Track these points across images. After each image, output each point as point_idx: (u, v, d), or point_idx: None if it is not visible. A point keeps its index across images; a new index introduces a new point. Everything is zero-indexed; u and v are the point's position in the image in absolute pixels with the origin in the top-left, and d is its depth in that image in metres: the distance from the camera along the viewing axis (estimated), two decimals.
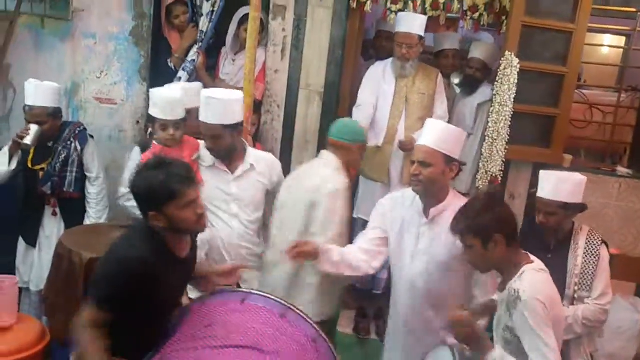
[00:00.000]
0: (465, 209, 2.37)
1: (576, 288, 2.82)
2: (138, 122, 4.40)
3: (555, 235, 2.89)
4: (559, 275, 2.74)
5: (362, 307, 4.31)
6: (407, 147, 3.81)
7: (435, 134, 2.64)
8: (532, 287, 2.20)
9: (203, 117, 3.02)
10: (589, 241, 2.84)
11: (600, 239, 2.86)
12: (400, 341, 2.84)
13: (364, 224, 3.92)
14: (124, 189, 3.38)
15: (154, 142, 3.35)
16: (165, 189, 2.15)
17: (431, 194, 2.66)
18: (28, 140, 3.51)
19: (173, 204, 2.16)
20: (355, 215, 4.23)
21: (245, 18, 4.16)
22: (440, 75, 4.09)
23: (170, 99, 3.27)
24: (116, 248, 2.23)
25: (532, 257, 2.35)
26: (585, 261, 2.82)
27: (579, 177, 2.87)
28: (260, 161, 3.21)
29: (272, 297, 2.43)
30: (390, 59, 4.04)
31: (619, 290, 4.02)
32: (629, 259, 4.25)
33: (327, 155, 3.10)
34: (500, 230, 2.26)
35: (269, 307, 2.34)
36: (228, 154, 3.15)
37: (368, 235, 2.89)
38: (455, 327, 2.35)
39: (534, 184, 4.13)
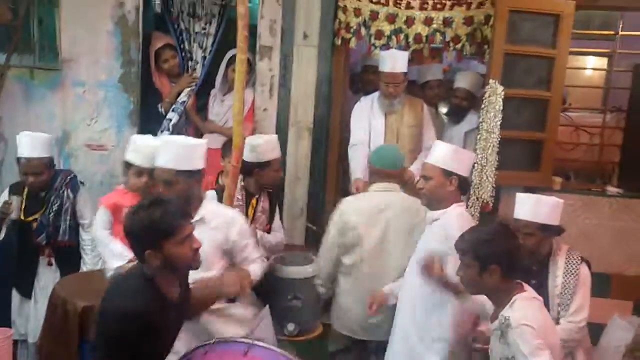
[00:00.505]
0: (475, 230, 2.45)
1: (559, 309, 2.81)
2: None
3: (533, 257, 2.87)
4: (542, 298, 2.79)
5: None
6: (406, 181, 3.82)
7: (435, 153, 2.90)
8: (522, 314, 2.22)
9: (158, 161, 2.89)
10: (568, 260, 2.84)
11: (579, 257, 2.85)
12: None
13: None
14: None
15: (121, 186, 3.41)
16: (163, 225, 2.14)
17: (435, 205, 2.87)
18: (14, 215, 3.61)
19: (171, 240, 2.15)
20: None
21: (233, 59, 4.22)
22: (425, 105, 4.16)
23: (153, 147, 3.22)
24: (112, 302, 2.18)
25: (526, 287, 2.38)
26: (565, 281, 2.81)
27: (556, 200, 2.88)
28: (216, 216, 2.94)
29: (276, 349, 2.38)
30: (376, 94, 4.10)
31: (616, 310, 4.02)
32: (624, 278, 4.27)
33: (387, 186, 3.22)
34: (499, 262, 2.29)
35: (274, 358, 2.30)
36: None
37: None
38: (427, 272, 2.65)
39: None
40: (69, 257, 3.74)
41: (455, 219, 2.77)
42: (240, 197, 3.45)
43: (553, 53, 3.97)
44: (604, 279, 3.97)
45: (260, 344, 2.41)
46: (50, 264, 3.74)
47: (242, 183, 3.46)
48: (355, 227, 3.18)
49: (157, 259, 2.15)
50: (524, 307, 2.26)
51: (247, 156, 3.43)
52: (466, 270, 2.36)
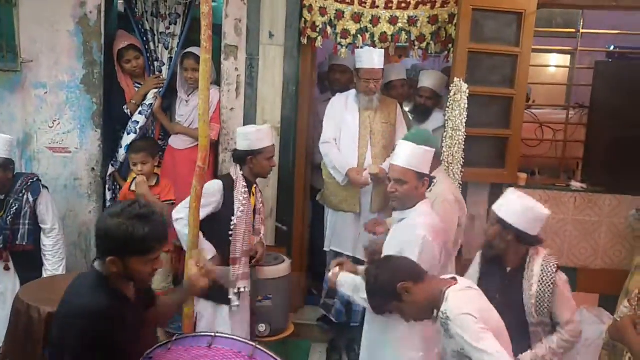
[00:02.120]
0: (368, 286, 2.44)
1: (535, 314, 2.79)
2: (93, 169, 4.36)
3: (507, 259, 2.84)
4: (516, 301, 2.80)
5: (334, 340, 4.29)
6: (378, 177, 3.89)
7: (407, 154, 2.85)
8: (457, 304, 2.23)
9: None
10: (544, 268, 2.77)
11: (555, 266, 2.78)
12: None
13: (336, 255, 3.96)
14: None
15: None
16: (140, 244, 2.09)
17: (407, 207, 2.87)
18: None
19: (140, 259, 2.12)
20: (326, 248, 4.25)
21: (185, 56, 4.22)
22: (398, 104, 4.20)
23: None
24: (74, 300, 2.14)
25: (459, 279, 2.39)
26: (540, 287, 2.76)
27: (542, 210, 2.79)
28: None
29: (239, 338, 2.42)
30: (352, 92, 4.11)
31: (583, 303, 4.10)
32: (590, 271, 4.35)
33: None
34: (399, 280, 2.31)
35: (237, 350, 2.31)
36: None
37: None
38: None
39: (492, 203, 4.24)
40: (27, 262, 3.67)
41: (423, 218, 2.78)
42: (245, 184, 3.49)
43: (516, 51, 4.03)
44: (569, 273, 3.99)
45: (223, 334, 2.43)
46: (7, 268, 3.66)
47: (242, 172, 3.49)
48: None
49: (117, 268, 2.11)
50: (458, 297, 2.27)
51: (240, 145, 3.50)
52: (396, 310, 2.37)
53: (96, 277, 2.15)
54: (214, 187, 3.40)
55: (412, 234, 2.74)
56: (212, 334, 2.42)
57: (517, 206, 2.77)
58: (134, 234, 2.07)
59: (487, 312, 2.29)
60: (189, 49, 4.20)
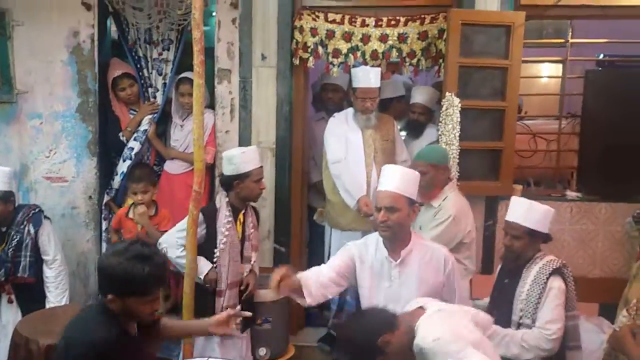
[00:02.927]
0: (344, 350, 2.44)
1: (521, 314, 2.83)
2: (90, 197, 4.37)
3: (516, 260, 2.91)
4: (508, 299, 2.88)
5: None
6: None
7: (396, 179, 2.73)
8: (426, 333, 2.22)
9: None
10: (540, 270, 2.83)
11: (551, 269, 2.82)
12: None
13: None
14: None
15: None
16: (140, 285, 2.10)
17: (398, 238, 2.74)
18: None
19: (139, 299, 2.13)
20: None
21: (180, 82, 4.24)
22: (394, 121, 4.24)
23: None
24: (75, 332, 2.16)
25: (425, 304, 2.37)
26: (531, 289, 2.82)
27: (546, 207, 2.92)
28: None
29: None
30: (350, 110, 4.13)
31: (583, 312, 4.08)
32: (589, 280, 4.34)
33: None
34: (378, 335, 2.27)
35: None
36: None
37: (335, 267, 2.89)
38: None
39: (488, 216, 4.26)
40: (30, 294, 3.66)
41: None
42: (228, 214, 3.43)
43: (506, 63, 4.05)
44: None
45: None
46: (10, 301, 3.66)
47: (227, 199, 3.44)
48: None
49: (116, 306, 2.13)
50: (426, 326, 2.25)
51: (226, 169, 3.42)
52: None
53: (102, 310, 2.17)
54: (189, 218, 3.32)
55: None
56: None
57: (523, 207, 2.88)
58: (133, 274, 2.08)
59: (461, 328, 2.26)
60: (184, 74, 4.23)
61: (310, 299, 2.76)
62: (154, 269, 2.12)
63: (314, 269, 2.91)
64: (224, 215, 3.40)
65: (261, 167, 3.50)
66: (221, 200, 3.44)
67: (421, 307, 2.36)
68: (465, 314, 2.43)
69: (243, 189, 3.41)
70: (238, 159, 3.40)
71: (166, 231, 3.86)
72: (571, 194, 4.44)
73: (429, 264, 2.77)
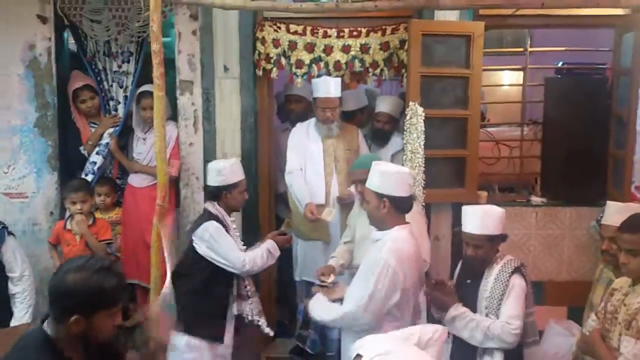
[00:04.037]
0: None
1: (486, 311, 2.91)
2: (52, 213, 4.28)
3: (482, 265, 2.98)
4: (471, 299, 2.97)
5: None
6: (345, 201, 3.98)
7: (370, 176, 2.91)
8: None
9: None
10: (501, 269, 2.92)
11: (513, 267, 2.92)
12: None
13: (307, 285, 3.94)
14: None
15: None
16: (110, 297, 1.99)
17: (378, 226, 2.91)
18: None
19: (107, 312, 2.01)
20: (297, 278, 4.23)
21: (140, 95, 4.20)
22: (359, 130, 4.27)
23: None
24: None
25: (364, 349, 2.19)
26: (494, 287, 2.90)
27: (498, 210, 2.99)
28: None
29: None
30: (312, 120, 4.16)
31: (552, 316, 4.12)
32: (556, 284, 4.40)
33: None
34: None
35: None
36: None
37: None
38: None
39: (455, 223, 4.29)
40: None
41: (391, 242, 2.79)
42: (233, 220, 3.53)
43: (467, 72, 4.10)
44: (537, 287, 4.08)
45: None
46: None
47: (216, 208, 3.47)
48: None
49: (79, 327, 1.97)
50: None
51: (213, 180, 3.48)
52: None
53: (42, 339, 2.01)
54: (219, 227, 3.38)
55: (377, 257, 2.76)
56: None
57: (477, 216, 2.94)
58: (103, 286, 1.96)
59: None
60: (145, 87, 4.18)
61: None
62: (119, 278, 2.04)
63: None
64: (229, 221, 3.48)
65: (244, 178, 3.57)
66: (217, 209, 3.47)
67: (358, 355, 2.27)
68: (407, 340, 2.36)
69: (230, 200, 3.49)
70: (227, 171, 3.47)
71: (106, 240, 3.94)
72: (536, 199, 4.49)
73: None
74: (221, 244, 3.37)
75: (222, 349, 3.48)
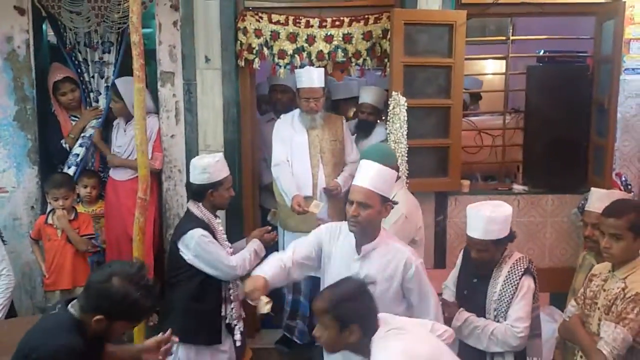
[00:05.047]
0: (333, 289, 2.35)
1: (495, 313, 2.87)
2: (33, 207, 4.24)
3: (489, 266, 2.92)
4: (479, 299, 2.91)
5: None
6: (332, 192, 3.96)
7: (371, 175, 2.68)
8: (381, 357, 2.16)
9: None
10: (511, 270, 2.86)
11: (523, 269, 2.87)
12: None
13: None
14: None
15: None
16: (140, 314, 2.15)
17: (365, 234, 2.71)
18: None
19: (128, 324, 2.16)
20: None
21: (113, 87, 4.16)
22: (344, 120, 4.26)
23: None
24: (43, 339, 2.08)
25: (382, 320, 2.30)
26: (503, 289, 2.85)
27: (505, 212, 2.88)
28: None
29: None
30: (296, 111, 4.14)
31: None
32: (539, 270, 4.38)
33: None
34: (359, 321, 2.22)
35: None
36: None
37: (302, 250, 2.87)
38: None
39: (438, 212, 4.31)
40: None
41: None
42: (219, 221, 3.41)
43: (450, 62, 4.11)
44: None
45: None
46: None
47: (200, 209, 3.32)
48: None
49: (99, 327, 2.10)
50: (381, 348, 2.18)
51: (198, 178, 3.29)
52: (323, 330, 2.26)
53: (72, 321, 2.12)
54: (205, 234, 3.22)
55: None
56: None
57: (482, 223, 2.82)
58: (140, 304, 2.10)
59: (416, 348, 2.20)
60: (118, 81, 4.13)
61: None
62: (154, 302, 2.18)
63: (276, 260, 2.84)
64: (216, 223, 3.34)
65: (230, 174, 3.43)
66: (202, 210, 3.31)
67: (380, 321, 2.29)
68: (423, 326, 2.42)
69: (217, 197, 3.32)
70: (213, 168, 3.29)
71: (87, 235, 3.89)
72: (518, 187, 4.51)
73: (388, 266, 2.73)
74: (210, 252, 3.22)
75: (222, 355, 3.41)
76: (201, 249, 3.19)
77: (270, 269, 2.79)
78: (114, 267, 2.17)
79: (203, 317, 3.30)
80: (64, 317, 2.14)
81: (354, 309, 2.21)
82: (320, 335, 2.27)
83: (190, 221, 3.28)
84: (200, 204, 3.32)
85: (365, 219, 2.64)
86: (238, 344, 3.43)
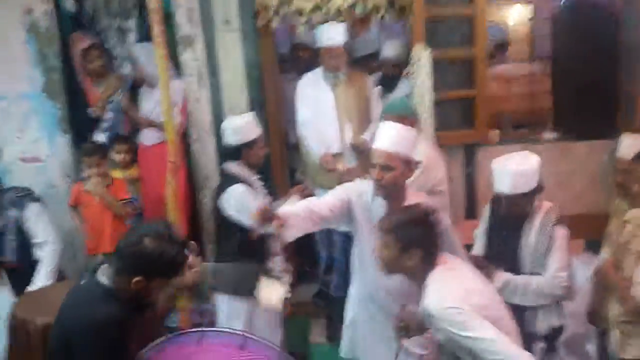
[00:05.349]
0: (401, 211, 2.42)
1: (532, 265, 2.86)
2: (68, 175, 4.34)
3: (520, 219, 2.90)
4: (512, 251, 2.89)
5: (331, 314, 4.34)
6: (360, 148, 3.92)
7: (392, 137, 2.66)
8: (437, 299, 2.20)
9: None
10: (543, 222, 2.86)
11: (554, 219, 2.87)
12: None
13: (327, 232, 4.01)
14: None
15: None
16: (177, 267, 2.17)
17: (392, 196, 2.70)
18: None
19: (164, 280, 2.17)
20: None
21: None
22: (369, 77, 4.21)
23: None
24: (84, 315, 2.11)
25: (440, 259, 2.34)
26: (537, 241, 2.84)
27: (532, 164, 2.85)
28: None
29: (228, 329, 2.46)
30: (319, 70, 4.10)
31: (570, 250, 4.15)
32: (572, 217, 4.35)
33: None
34: (421, 246, 2.29)
35: (227, 342, 2.33)
36: None
37: (328, 201, 2.85)
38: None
39: (467, 164, 4.29)
40: (22, 279, 3.62)
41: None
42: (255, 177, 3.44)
43: (472, 11, 4.01)
44: None
45: (212, 329, 2.49)
46: None
47: (238, 167, 3.38)
48: None
49: (139, 288, 2.12)
50: (437, 290, 2.22)
51: (231, 139, 3.37)
52: (385, 249, 2.34)
53: (104, 291, 2.15)
54: (244, 189, 3.27)
55: None
56: (201, 330, 2.44)
57: (509, 177, 2.79)
58: (174, 259, 2.14)
59: (473, 294, 2.24)
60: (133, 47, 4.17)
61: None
62: (182, 251, 2.20)
63: (302, 206, 2.84)
64: (254, 179, 3.41)
65: (262, 132, 3.49)
66: (241, 169, 3.38)
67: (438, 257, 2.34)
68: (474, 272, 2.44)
69: (252, 156, 3.39)
70: (245, 128, 3.37)
71: (124, 200, 3.98)
72: (548, 135, 4.45)
73: None
74: (250, 206, 3.25)
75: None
76: (242, 203, 3.26)
77: (292, 209, 2.79)
78: (142, 229, 2.21)
79: (249, 270, 3.37)
80: (95, 288, 2.17)
81: (418, 234, 2.30)
82: (380, 253, 2.37)
83: (229, 179, 3.36)
84: (237, 163, 3.39)
85: (389, 181, 2.63)
86: (288, 295, 3.45)
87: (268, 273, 3.42)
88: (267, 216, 2.64)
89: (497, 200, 2.92)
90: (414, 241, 2.29)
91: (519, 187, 2.79)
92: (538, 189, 2.87)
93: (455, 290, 2.22)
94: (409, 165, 2.68)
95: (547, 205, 2.92)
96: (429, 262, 2.31)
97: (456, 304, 2.17)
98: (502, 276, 2.86)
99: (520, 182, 2.79)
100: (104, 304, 2.11)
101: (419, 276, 2.31)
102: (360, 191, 2.85)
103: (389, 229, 2.33)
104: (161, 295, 2.25)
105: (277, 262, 3.48)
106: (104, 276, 2.18)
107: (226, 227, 3.37)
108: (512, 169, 2.80)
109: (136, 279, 2.10)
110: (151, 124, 4.28)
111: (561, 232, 2.86)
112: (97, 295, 2.15)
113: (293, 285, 4.29)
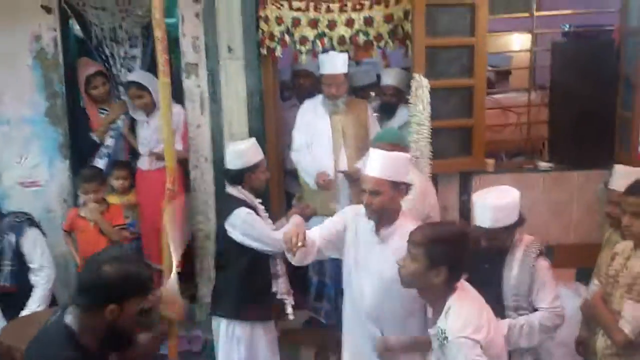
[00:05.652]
0: (436, 226, 2.43)
1: (516, 299, 2.84)
2: (65, 200, 4.36)
3: (501, 253, 2.90)
4: (494, 284, 2.85)
5: (322, 342, 4.33)
6: (352, 176, 3.96)
7: (379, 163, 2.73)
8: (461, 325, 2.19)
9: None
10: (525, 253, 2.85)
11: (536, 251, 2.86)
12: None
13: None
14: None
15: None
16: (143, 284, 2.12)
17: (383, 219, 2.76)
18: None
19: (137, 300, 2.10)
20: None
21: (127, 86, 4.28)
22: (368, 105, 4.29)
23: None
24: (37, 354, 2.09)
25: (460, 285, 2.33)
26: (520, 274, 2.82)
27: (512, 198, 2.86)
28: None
29: None
30: (319, 97, 4.17)
31: (560, 278, 4.16)
32: (565, 246, 4.41)
33: None
34: (449, 264, 2.25)
35: None
36: None
37: (329, 228, 2.94)
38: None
39: (463, 192, 4.33)
40: (15, 303, 3.62)
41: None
42: (259, 202, 3.50)
43: (472, 41, 4.09)
44: (546, 251, 4.11)
45: None
46: None
47: (241, 192, 3.45)
48: None
49: (115, 315, 2.05)
50: (458, 315, 2.22)
51: (235, 163, 3.43)
52: (410, 262, 2.30)
53: (65, 333, 2.07)
54: (250, 211, 3.35)
55: None
56: None
57: (488, 210, 2.81)
58: (140, 275, 2.10)
59: (490, 326, 2.24)
60: (131, 77, 4.24)
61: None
62: (149, 268, 2.21)
63: (319, 233, 2.91)
64: (257, 203, 3.47)
65: (264, 157, 3.57)
66: (244, 193, 3.44)
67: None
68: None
69: (254, 180, 3.45)
70: (249, 152, 3.46)
71: (119, 225, 3.99)
72: (543, 164, 4.49)
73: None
74: (255, 228, 3.35)
75: (270, 329, 3.55)
76: (248, 225, 3.33)
77: (314, 234, 2.87)
78: (95, 258, 2.15)
79: (255, 293, 3.43)
80: (60, 329, 2.09)
81: (449, 252, 2.25)
82: (404, 265, 2.33)
83: (234, 202, 3.41)
84: (240, 187, 3.44)
85: (379, 206, 2.70)
86: (291, 317, 3.58)
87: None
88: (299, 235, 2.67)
89: (477, 235, 2.90)
90: (444, 258, 2.24)
91: (499, 221, 2.80)
92: (519, 222, 2.87)
93: (476, 320, 2.22)
94: (398, 189, 2.74)
95: (528, 238, 2.92)
96: (452, 282, 2.28)
97: (475, 335, 2.18)
98: (502, 323, 2.78)
99: (501, 216, 2.80)
100: (64, 348, 2.04)
101: (439, 296, 2.29)
102: (353, 216, 2.91)
103: (421, 242, 2.30)
104: (134, 319, 2.15)
105: (281, 284, 3.51)
106: (70, 315, 2.10)
107: (231, 250, 3.41)
108: (492, 203, 2.82)
109: (109, 307, 2.03)
110: (151, 154, 4.31)
111: (543, 264, 2.85)
112: (59, 338, 2.07)
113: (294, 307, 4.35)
